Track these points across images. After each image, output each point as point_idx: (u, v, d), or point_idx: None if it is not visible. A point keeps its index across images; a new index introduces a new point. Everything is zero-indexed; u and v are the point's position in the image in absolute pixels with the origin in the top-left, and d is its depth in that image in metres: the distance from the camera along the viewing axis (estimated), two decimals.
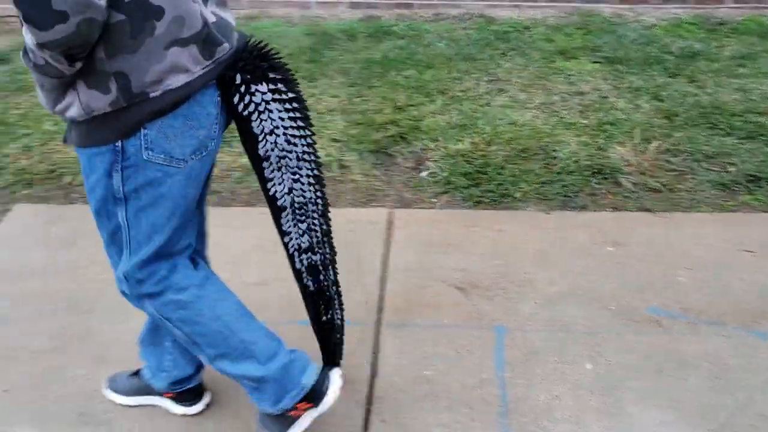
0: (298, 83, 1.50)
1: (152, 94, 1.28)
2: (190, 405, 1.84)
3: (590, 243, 2.47)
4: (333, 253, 1.74)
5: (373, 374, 1.95)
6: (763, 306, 2.17)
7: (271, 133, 1.45)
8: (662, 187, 2.78)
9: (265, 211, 2.66)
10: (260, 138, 1.45)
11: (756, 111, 3.25)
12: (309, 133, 1.52)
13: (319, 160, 1.59)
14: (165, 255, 1.51)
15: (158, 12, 1.23)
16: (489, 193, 2.76)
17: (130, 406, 1.87)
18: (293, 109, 1.46)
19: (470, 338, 2.06)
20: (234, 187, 2.88)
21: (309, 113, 1.52)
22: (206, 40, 1.31)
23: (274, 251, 2.44)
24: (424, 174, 2.91)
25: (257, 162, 1.51)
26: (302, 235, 1.64)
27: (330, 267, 1.74)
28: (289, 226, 1.62)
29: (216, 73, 1.36)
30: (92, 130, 1.33)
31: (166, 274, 1.52)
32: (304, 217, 1.62)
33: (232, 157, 3.04)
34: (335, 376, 1.69)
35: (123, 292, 1.58)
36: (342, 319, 1.83)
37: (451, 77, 3.63)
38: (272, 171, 1.52)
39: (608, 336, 2.06)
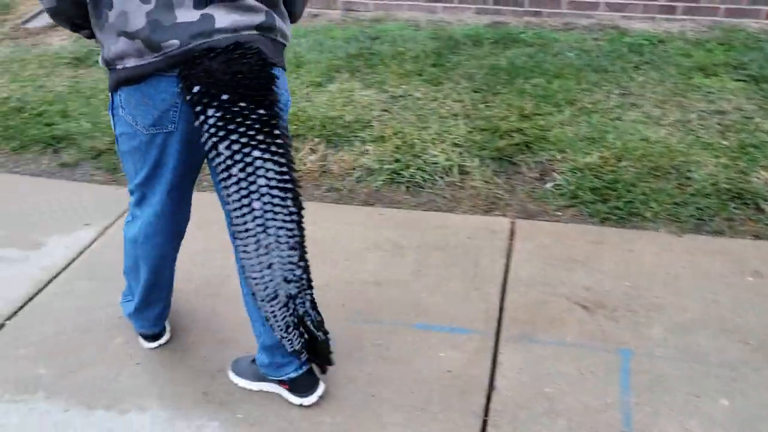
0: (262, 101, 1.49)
1: (118, 66, 1.52)
2: (305, 396, 1.87)
3: (727, 271, 2.32)
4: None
5: (491, 386, 1.90)
6: None
7: (212, 148, 1.49)
8: None
9: (384, 212, 2.72)
10: (206, 146, 1.50)
11: None
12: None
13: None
14: (138, 200, 1.79)
15: (108, 4, 1.46)
16: (617, 210, 2.64)
17: (251, 391, 1.92)
18: (235, 138, 1.47)
19: (594, 359, 1.98)
20: (354, 185, 2.91)
21: (273, 132, 1.50)
22: (149, 38, 1.45)
23: (391, 252, 2.47)
24: (549, 185, 2.83)
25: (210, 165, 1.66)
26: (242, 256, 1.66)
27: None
28: (236, 245, 1.71)
29: (166, 64, 1.47)
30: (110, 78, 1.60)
31: (134, 214, 1.84)
32: (239, 240, 1.64)
33: (353, 156, 3.08)
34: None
35: None
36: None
37: (581, 88, 3.52)
38: (221, 182, 1.54)
39: (746, 372, 1.92)
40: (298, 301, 1.68)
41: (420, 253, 2.47)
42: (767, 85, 3.48)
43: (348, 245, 2.52)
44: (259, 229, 1.54)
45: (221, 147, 1.47)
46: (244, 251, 1.58)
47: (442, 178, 2.92)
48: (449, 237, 2.56)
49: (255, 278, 1.61)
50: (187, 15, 1.45)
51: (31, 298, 2.31)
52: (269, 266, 1.59)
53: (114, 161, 3.14)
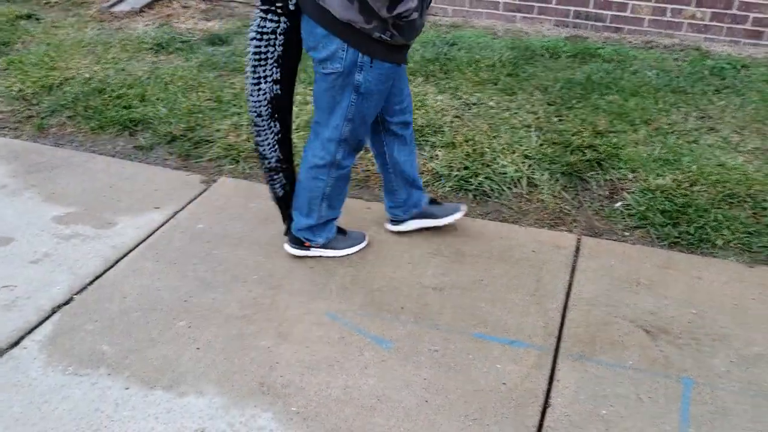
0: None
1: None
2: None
3: None
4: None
5: (547, 403, 1.90)
6: None
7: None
8: None
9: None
10: None
11: None
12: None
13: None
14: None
15: None
16: (687, 235, 2.59)
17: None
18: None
19: (654, 385, 1.94)
20: None
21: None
22: None
23: (453, 259, 2.48)
24: (618, 205, 2.79)
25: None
26: None
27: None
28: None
29: None
30: None
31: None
32: None
33: (422, 160, 3.10)
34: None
35: None
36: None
37: (658, 108, 3.45)
38: None
39: None
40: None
41: (482, 262, 2.48)
42: None
43: (411, 249, 2.55)
44: None
45: None
46: None
47: (509, 188, 2.92)
48: (513, 249, 2.55)
49: None
50: None
51: (99, 276, 2.40)
52: None
53: (187, 147, 3.24)
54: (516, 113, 3.45)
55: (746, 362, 2.02)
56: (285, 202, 2.45)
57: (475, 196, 2.89)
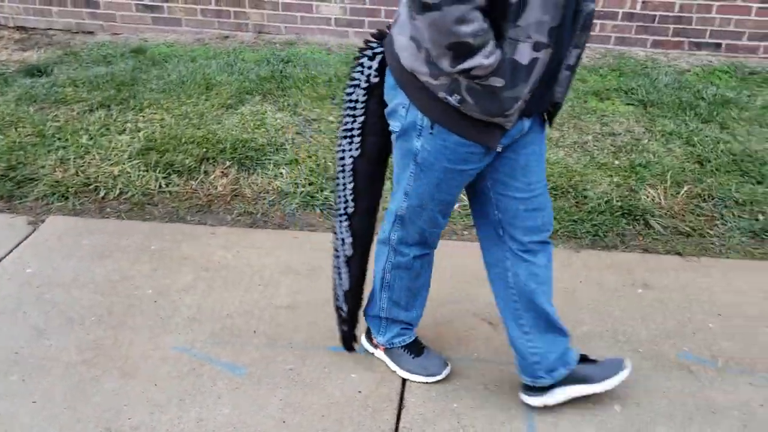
0: None
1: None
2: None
3: (620, 284, 2.47)
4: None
5: (401, 404, 1.95)
6: None
7: None
8: (692, 232, 2.78)
9: (299, 235, 2.73)
10: None
11: None
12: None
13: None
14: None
15: None
16: None
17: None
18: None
19: (499, 373, 2.06)
20: (267, 209, 2.92)
21: None
22: None
23: (306, 275, 2.49)
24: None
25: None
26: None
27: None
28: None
29: None
30: None
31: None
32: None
33: (266, 179, 3.08)
34: None
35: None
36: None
37: None
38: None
39: (637, 379, 2.05)
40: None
41: None
42: (654, 110, 3.75)
43: (262, 270, 2.52)
44: None
45: None
46: None
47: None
48: None
49: None
50: None
51: None
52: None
53: (9, 188, 3.00)
54: None
55: (579, 341, 2.19)
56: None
57: (322, 210, 2.92)
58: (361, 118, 1.70)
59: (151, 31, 4.88)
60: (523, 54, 1.41)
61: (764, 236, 2.78)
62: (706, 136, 3.45)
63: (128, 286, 2.41)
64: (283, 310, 2.32)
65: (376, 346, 2.08)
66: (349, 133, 1.73)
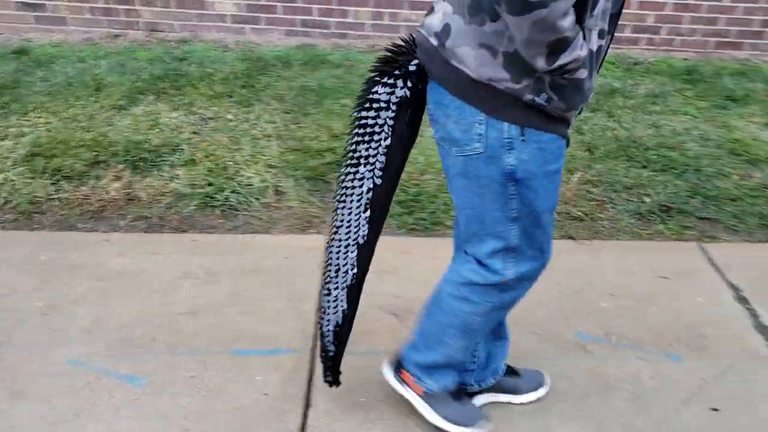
0: None
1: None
2: None
3: None
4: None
5: (307, 404, 1.94)
6: (677, 330, 2.30)
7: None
8: (585, 216, 2.91)
9: (198, 238, 2.66)
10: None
11: (667, 146, 3.46)
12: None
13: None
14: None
15: None
16: (422, 221, 2.82)
17: None
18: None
19: None
20: (164, 212, 2.83)
21: None
22: None
23: (205, 279, 2.43)
24: None
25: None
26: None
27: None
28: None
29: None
30: None
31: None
32: None
33: (162, 181, 2.99)
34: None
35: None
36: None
37: None
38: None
39: (536, 361, 2.12)
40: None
41: (236, 277, 2.45)
42: None
43: (159, 276, 2.44)
44: None
45: None
46: None
47: (257, 199, 2.93)
48: (265, 259, 2.57)
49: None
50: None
51: None
52: None
53: None
54: (255, 124, 3.47)
55: None
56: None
57: (222, 211, 2.86)
58: (387, 142, 1.54)
59: (35, 31, 4.62)
60: (593, 42, 1.37)
61: (650, 217, 2.95)
62: (595, 125, 3.62)
63: (16, 300, 2.28)
64: (182, 316, 2.26)
65: (410, 387, 1.84)
66: (368, 160, 1.56)
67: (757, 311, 2.40)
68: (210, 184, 2.98)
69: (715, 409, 1.99)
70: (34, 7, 4.57)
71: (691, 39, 4.78)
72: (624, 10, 4.55)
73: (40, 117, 3.44)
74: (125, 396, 1.93)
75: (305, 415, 1.90)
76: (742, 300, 2.46)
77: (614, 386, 2.05)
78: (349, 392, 1.98)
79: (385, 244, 2.65)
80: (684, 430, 1.91)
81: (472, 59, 1.37)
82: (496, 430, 1.87)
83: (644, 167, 3.28)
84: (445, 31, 1.41)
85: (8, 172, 2.98)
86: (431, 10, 1.47)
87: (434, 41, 1.42)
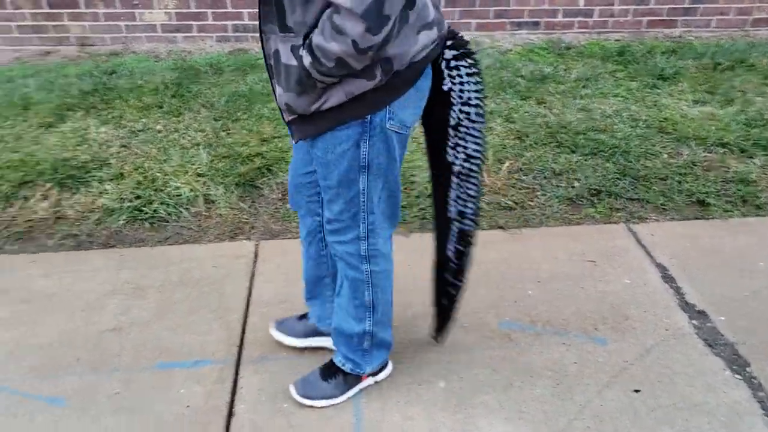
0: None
1: (403, 70, 1.51)
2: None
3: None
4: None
5: (230, 414, 1.94)
6: (602, 312, 2.34)
7: (466, 104, 1.65)
8: (515, 205, 2.95)
9: (125, 252, 2.64)
10: (455, 107, 1.65)
11: (597, 129, 3.51)
12: (485, 111, 1.75)
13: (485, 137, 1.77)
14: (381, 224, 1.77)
15: (411, 3, 1.45)
16: None
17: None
18: (481, 88, 1.67)
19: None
20: (92, 229, 2.79)
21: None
22: (439, 21, 1.57)
23: (131, 294, 2.41)
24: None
25: (443, 130, 1.70)
26: (465, 202, 1.79)
27: (471, 236, 1.88)
28: (456, 194, 1.79)
29: (439, 50, 1.59)
30: (342, 112, 1.53)
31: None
32: (468, 185, 1.77)
33: (90, 197, 2.95)
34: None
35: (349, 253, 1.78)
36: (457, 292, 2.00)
37: None
38: (457, 139, 1.70)
39: (462, 352, 2.15)
40: None
41: (163, 291, 2.44)
42: None
43: (85, 294, 2.41)
44: None
45: (468, 92, 1.65)
46: None
47: (187, 209, 2.91)
48: (194, 269, 2.55)
49: None
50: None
51: None
52: None
53: None
54: (184, 133, 3.44)
55: (408, 323, 2.27)
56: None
57: (152, 223, 2.83)
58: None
59: None
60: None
61: (579, 202, 2.99)
62: (525, 112, 3.66)
63: None
64: (107, 333, 2.24)
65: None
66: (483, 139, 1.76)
67: (682, 289, 2.45)
68: (138, 197, 2.95)
69: (637, 390, 2.02)
70: None
71: (624, 19, 4.84)
72: None
73: None
74: (46, 418, 1.91)
75: (227, 427, 1.89)
76: (669, 279, 2.51)
77: (538, 373, 2.08)
78: (273, 399, 1.98)
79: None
80: (606, 413, 1.94)
81: None
82: (417, 427, 1.88)
83: (573, 152, 3.33)
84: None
85: None
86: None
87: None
